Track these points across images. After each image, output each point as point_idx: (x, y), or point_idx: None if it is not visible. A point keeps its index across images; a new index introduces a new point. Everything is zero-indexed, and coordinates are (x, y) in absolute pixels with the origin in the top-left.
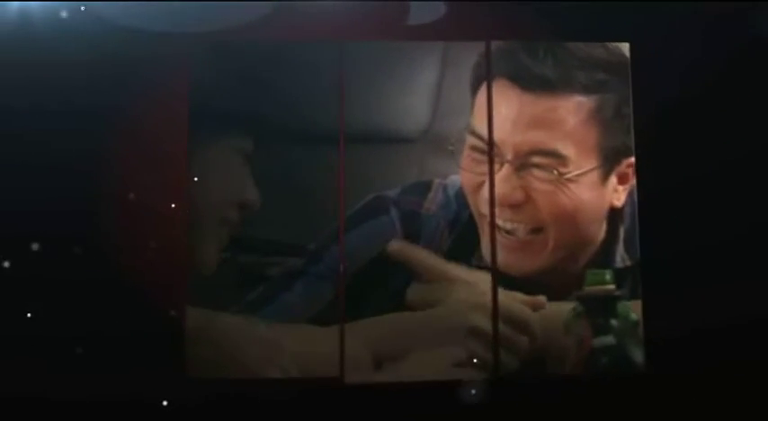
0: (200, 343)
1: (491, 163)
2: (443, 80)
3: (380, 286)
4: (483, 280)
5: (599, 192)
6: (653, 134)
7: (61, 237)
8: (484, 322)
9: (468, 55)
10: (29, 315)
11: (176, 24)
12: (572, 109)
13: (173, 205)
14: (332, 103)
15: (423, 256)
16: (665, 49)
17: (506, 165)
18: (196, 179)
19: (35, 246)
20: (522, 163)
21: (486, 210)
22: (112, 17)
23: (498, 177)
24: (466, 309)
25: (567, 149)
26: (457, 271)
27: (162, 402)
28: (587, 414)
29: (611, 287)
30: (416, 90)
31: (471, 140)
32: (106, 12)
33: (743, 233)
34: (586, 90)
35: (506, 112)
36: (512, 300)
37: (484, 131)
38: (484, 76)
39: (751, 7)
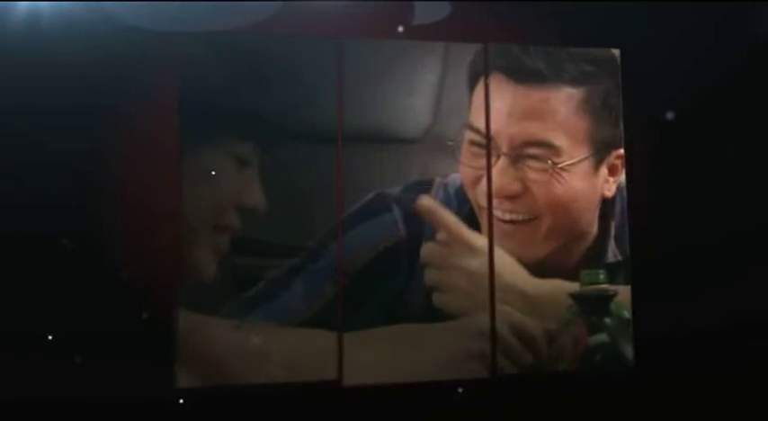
0: (193, 347)
1: (489, 157)
2: (444, 80)
3: (382, 285)
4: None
5: (591, 181)
6: (645, 133)
7: (55, 237)
8: (486, 325)
9: (467, 54)
10: (22, 315)
11: (177, 24)
12: (562, 100)
13: (170, 206)
14: (331, 102)
15: (448, 216)
16: (661, 48)
17: (503, 158)
18: (214, 173)
19: (29, 246)
20: (518, 154)
21: (485, 202)
22: (112, 16)
23: (495, 170)
24: (469, 312)
25: (559, 140)
26: (475, 239)
27: (156, 405)
28: (585, 411)
29: (605, 286)
30: (416, 90)
31: (469, 135)
32: (105, 10)
33: (734, 231)
34: (575, 81)
35: (501, 105)
36: (525, 317)
37: (481, 125)
38: (480, 72)
39: (750, 7)
